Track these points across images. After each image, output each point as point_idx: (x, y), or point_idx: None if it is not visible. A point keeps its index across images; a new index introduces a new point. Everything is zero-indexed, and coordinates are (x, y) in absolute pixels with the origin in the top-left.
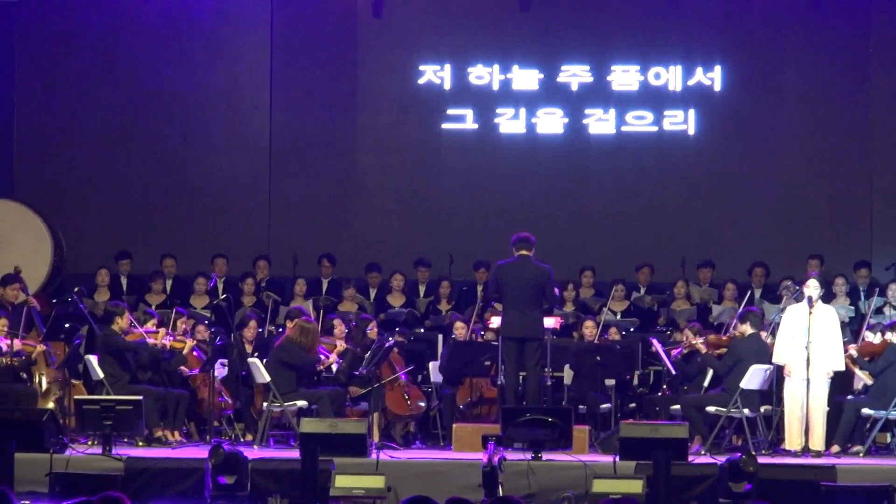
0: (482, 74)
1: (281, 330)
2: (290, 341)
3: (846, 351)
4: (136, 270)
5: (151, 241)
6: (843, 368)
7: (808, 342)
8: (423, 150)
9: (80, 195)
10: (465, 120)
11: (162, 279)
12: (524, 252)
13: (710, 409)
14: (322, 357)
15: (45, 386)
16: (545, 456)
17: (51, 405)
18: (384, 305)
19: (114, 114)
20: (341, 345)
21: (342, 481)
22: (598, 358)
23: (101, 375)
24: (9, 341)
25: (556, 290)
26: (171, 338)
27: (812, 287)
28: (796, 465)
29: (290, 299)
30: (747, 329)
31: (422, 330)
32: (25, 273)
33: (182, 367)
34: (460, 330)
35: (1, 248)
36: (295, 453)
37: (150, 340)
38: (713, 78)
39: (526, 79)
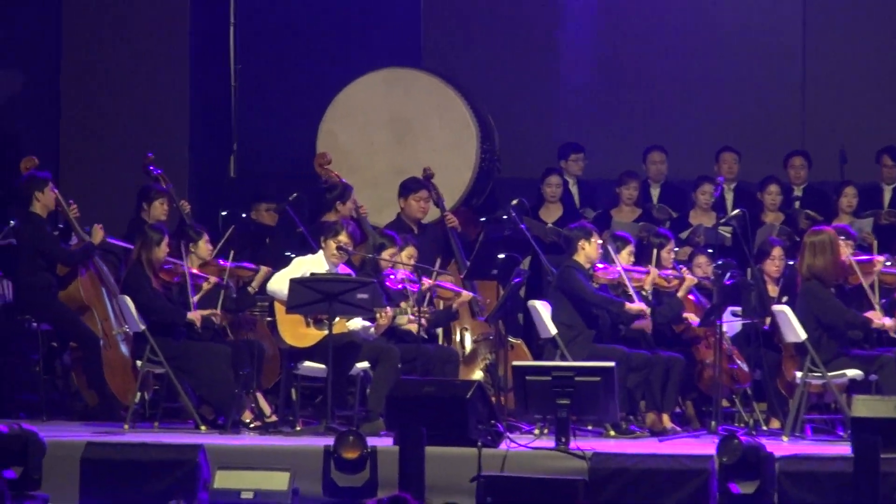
0: None
1: None
2: (809, 270)
3: None
4: (593, 173)
5: (624, 132)
6: None
7: None
8: None
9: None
10: None
11: (636, 183)
12: None
13: None
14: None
15: (469, 346)
16: None
17: (478, 375)
18: None
19: None
20: None
21: None
22: None
23: (553, 332)
24: (415, 284)
25: None
26: (661, 273)
27: None
28: None
29: (832, 216)
30: None
31: None
32: (439, 178)
33: (688, 316)
34: None
35: (406, 142)
36: (845, 448)
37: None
38: None
39: None
